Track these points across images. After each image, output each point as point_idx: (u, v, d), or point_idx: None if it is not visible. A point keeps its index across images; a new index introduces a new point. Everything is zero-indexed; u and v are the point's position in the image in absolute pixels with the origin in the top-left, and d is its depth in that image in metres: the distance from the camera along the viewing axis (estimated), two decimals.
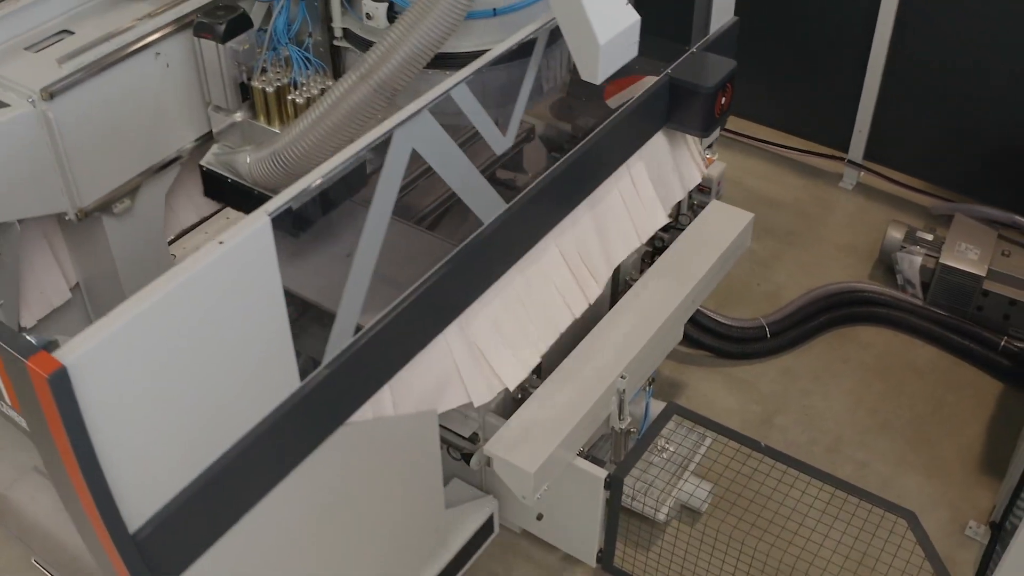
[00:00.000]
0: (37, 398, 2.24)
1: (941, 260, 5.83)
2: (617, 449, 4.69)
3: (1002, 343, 5.69)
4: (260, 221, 2.62)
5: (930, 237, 6.05)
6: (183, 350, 2.54)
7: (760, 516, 4.41)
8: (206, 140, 4.20)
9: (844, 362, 5.82)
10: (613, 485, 4.32)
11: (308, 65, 3.89)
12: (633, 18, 3.33)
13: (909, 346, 5.89)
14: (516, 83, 3.62)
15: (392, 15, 3.62)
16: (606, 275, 4.22)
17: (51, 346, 2.25)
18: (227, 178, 3.99)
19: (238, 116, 4.04)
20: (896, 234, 6.11)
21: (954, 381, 5.70)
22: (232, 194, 4.03)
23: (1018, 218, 5.98)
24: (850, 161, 6.83)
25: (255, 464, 2.89)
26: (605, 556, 4.61)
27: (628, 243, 4.28)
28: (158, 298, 2.39)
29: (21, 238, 3.90)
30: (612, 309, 4.55)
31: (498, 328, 3.75)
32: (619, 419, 4.58)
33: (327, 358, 3.04)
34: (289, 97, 3.86)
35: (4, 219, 3.72)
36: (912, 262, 5.98)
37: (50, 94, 3.56)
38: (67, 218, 3.92)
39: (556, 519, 4.57)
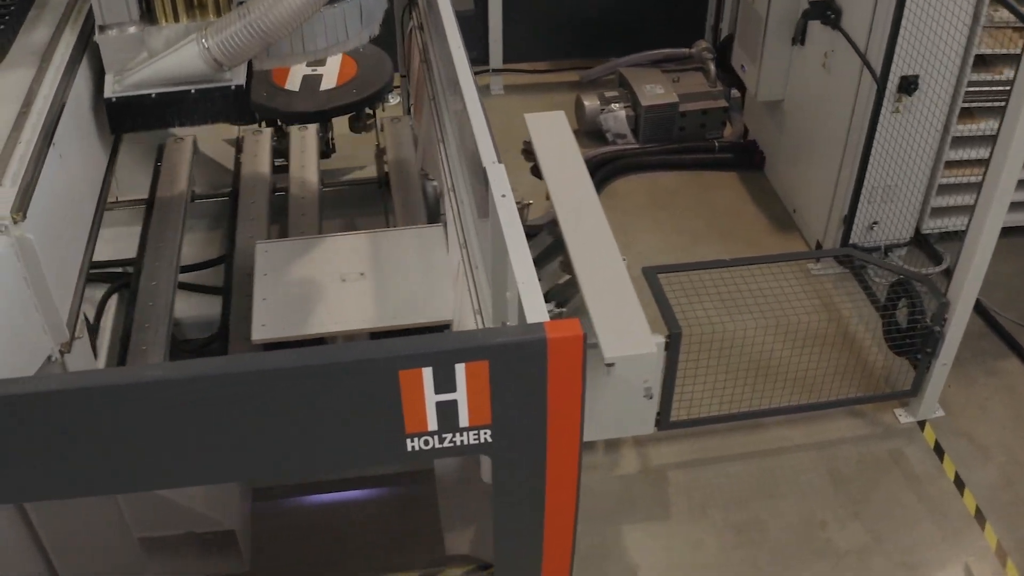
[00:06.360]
0: (547, 369, 2.27)
1: (643, 104, 6.96)
2: None
3: (715, 144, 7.04)
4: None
5: (616, 94, 7.14)
6: None
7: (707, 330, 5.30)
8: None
9: (625, 213, 6.75)
10: (672, 341, 4.84)
11: None
12: None
13: (654, 180, 7.00)
14: None
15: None
16: None
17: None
18: (150, 95, 3.64)
19: (132, 29, 3.62)
20: (591, 102, 7.11)
21: (706, 186, 6.95)
22: (158, 111, 3.68)
23: (669, 50, 7.30)
24: (494, 70, 7.64)
25: None
26: (663, 416, 5.12)
27: None
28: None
29: None
30: None
31: None
32: None
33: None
34: None
35: None
36: (617, 117, 7.03)
37: (22, 213, 3.02)
38: (52, 360, 3.32)
39: (603, 411, 4.92)
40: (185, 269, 5.01)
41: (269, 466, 2.34)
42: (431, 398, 2.24)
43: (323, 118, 5.66)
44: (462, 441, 2.34)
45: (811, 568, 4.73)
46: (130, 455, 2.23)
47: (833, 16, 5.78)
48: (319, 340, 4.28)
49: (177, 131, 5.81)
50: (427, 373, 2.19)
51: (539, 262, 5.35)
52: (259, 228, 5.11)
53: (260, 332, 4.24)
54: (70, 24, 3.78)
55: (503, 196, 2.74)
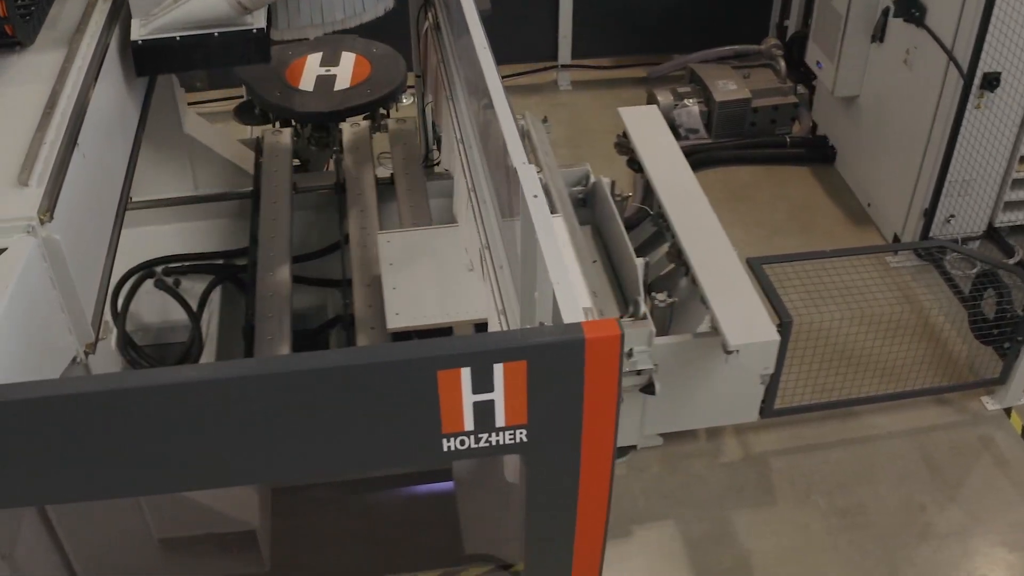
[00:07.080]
0: (584, 369, 2.25)
1: (718, 100, 7.09)
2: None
3: (787, 139, 7.18)
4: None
5: (689, 89, 7.27)
6: None
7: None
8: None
9: None
10: (784, 330, 4.96)
11: None
12: None
13: (729, 174, 7.13)
14: None
15: None
16: None
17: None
18: (175, 38, 3.78)
19: None
20: (664, 98, 7.23)
21: (779, 180, 7.09)
22: (183, 54, 3.81)
23: (739, 47, 7.43)
24: (562, 66, 7.76)
25: None
26: (767, 404, 5.24)
27: None
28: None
29: None
30: None
31: None
32: None
33: None
34: None
35: None
36: (691, 113, 7.16)
37: (50, 214, 2.94)
38: (76, 361, 3.24)
39: (717, 398, 5.01)
40: (295, 260, 5.08)
41: (306, 466, 2.37)
42: (468, 398, 2.26)
43: (337, 118, 5.68)
44: (497, 441, 2.36)
45: (916, 550, 4.87)
46: (166, 457, 2.24)
47: (918, 14, 5.91)
48: (448, 329, 4.39)
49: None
50: (465, 373, 2.22)
51: (642, 251, 5.48)
52: (370, 219, 5.21)
53: (395, 320, 4.34)
54: (99, 5, 3.79)
55: (535, 196, 2.73)
